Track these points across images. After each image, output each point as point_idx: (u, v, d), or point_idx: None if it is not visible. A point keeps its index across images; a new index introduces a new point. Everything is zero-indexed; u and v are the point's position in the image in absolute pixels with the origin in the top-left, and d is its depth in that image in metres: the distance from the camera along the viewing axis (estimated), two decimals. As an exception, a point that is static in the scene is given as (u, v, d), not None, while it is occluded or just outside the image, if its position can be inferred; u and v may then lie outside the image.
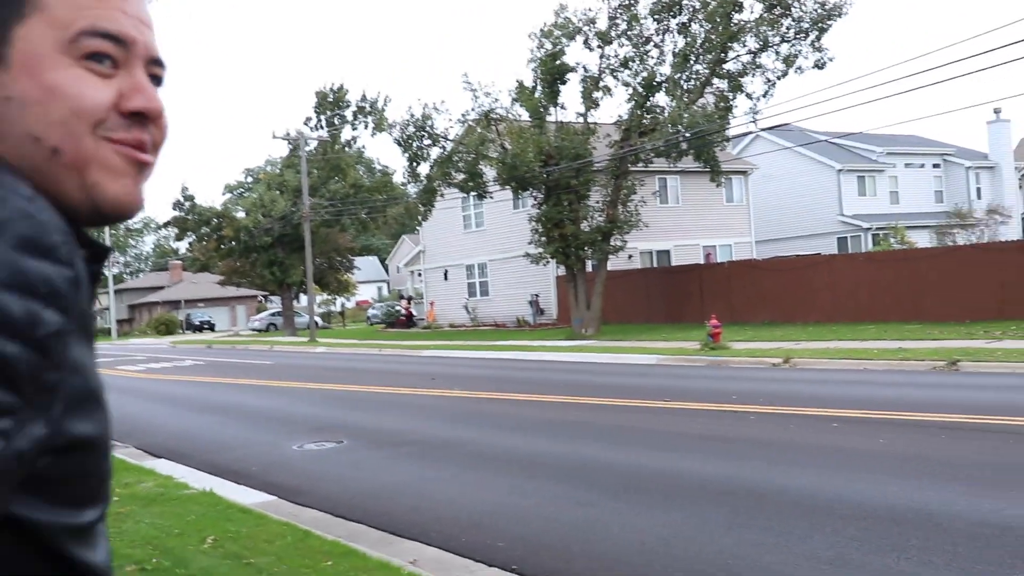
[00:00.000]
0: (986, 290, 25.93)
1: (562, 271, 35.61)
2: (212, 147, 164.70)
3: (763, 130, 41.72)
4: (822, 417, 12.58)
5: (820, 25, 29.99)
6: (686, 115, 29.48)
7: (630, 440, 11.81)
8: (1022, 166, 54.39)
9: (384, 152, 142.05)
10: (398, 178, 53.63)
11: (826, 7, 29.74)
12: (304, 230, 44.94)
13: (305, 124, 53.68)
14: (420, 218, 36.20)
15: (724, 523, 7.64)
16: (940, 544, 6.69)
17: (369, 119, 53.19)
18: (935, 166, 50.90)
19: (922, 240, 41.17)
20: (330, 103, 54.35)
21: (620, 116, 32.35)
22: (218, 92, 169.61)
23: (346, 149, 54.25)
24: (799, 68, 30.66)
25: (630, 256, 38.83)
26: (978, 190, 50.24)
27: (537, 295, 40.85)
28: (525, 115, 32.65)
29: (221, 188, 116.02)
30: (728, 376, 18.94)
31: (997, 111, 51.23)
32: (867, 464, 9.37)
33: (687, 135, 29.94)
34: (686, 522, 7.75)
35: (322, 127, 54.20)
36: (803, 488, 8.60)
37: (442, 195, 34.50)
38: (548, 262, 34.60)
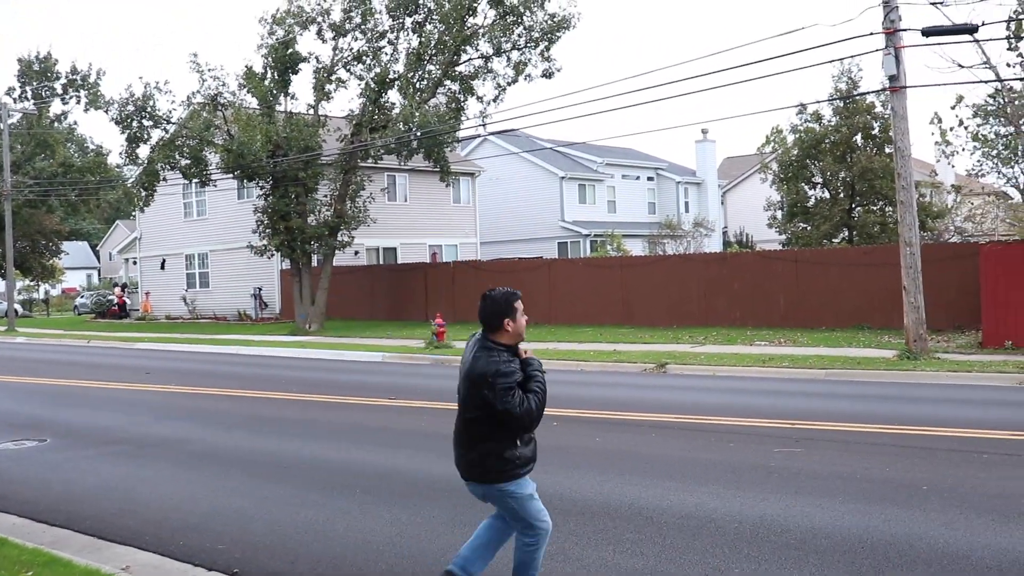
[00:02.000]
0: (692, 297, 27.76)
1: (287, 265, 34.86)
2: None
3: (492, 134, 42.65)
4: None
5: (549, 36, 30.96)
6: (418, 114, 29.62)
7: (357, 438, 11.71)
8: (724, 183, 58.70)
9: (100, 131, 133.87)
10: (114, 159, 50.69)
11: (555, 19, 30.75)
12: (4, 209, 41.50)
13: (8, 95, 49.69)
14: (140, 204, 34.18)
15: (447, 520, 7.71)
16: (651, 536, 7.05)
17: (82, 94, 49.90)
18: (649, 179, 53.95)
19: (636, 248, 43.46)
20: (36, 72, 50.56)
21: (352, 111, 32.03)
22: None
23: (55, 124, 50.65)
24: (528, 76, 31.52)
25: (356, 252, 38.59)
26: (686, 204, 53.72)
27: (260, 288, 39.79)
28: (254, 102, 31.66)
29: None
30: (452, 375, 19.12)
31: (704, 132, 54.99)
32: (584, 461, 9.76)
33: (418, 134, 30.10)
34: (411, 520, 7.76)
35: (27, 99, 50.32)
36: (525, 485, 8.82)
37: (164, 179, 32.85)
38: (273, 255, 33.74)
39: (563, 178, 48.04)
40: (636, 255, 37.16)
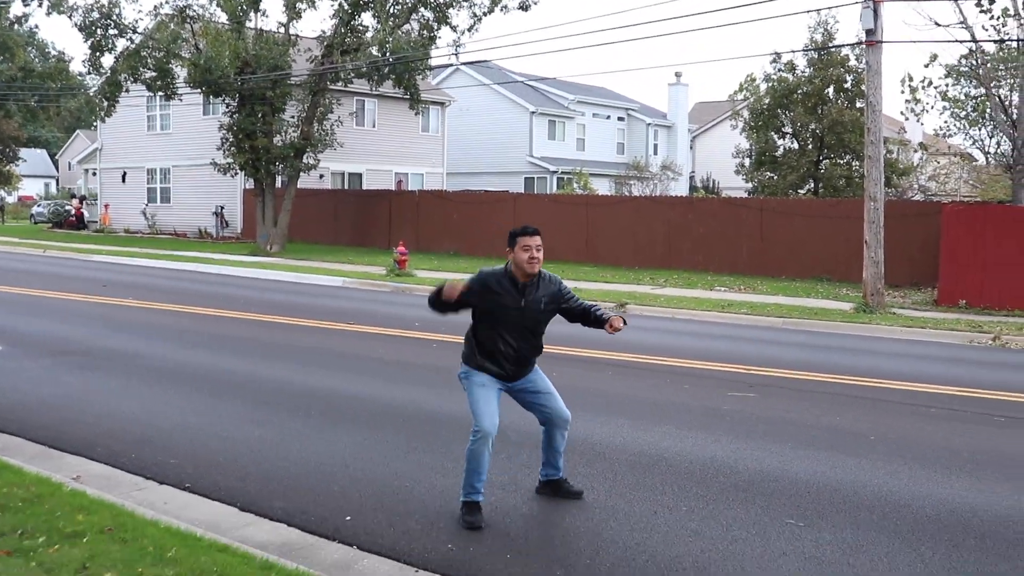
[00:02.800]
0: (656, 239, 27.84)
1: (251, 184, 34.45)
2: None
3: (464, 64, 42.17)
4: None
5: (528, -35, 30.52)
6: (391, 39, 29.18)
7: (314, 361, 11.70)
8: (695, 128, 58.61)
9: (62, 37, 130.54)
10: (77, 67, 49.52)
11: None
12: (-38, 112, 40.56)
13: (-33, -6, 48.19)
14: (103, 114, 33.44)
15: (403, 447, 7.75)
16: (602, 471, 7.14)
17: (44, -4, 48.50)
18: (620, 119, 53.71)
19: (603, 188, 43.42)
20: (-5, -28, 49.05)
21: (323, 31, 31.46)
22: None
23: (15, 27, 49.27)
24: (504, 7, 31.05)
25: (322, 176, 38.21)
26: (655, 146, 53.62)
27: (222, 207, 39.35)
28: (223, 17, 31.00)
29: None
30: (412, 303, 19.17)
31: (678, 75, 54.77)
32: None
33: (390, 59, 29.69)
34: (365, 444, 7.80)
35: (-13, -1, 48.88)
36: (480, 416, 8.88)
37: (127, 91, 32.18)
38: (236, 174, 33.33)
39: (533, 113, 47.71)
40: (602, 194, 37.15)
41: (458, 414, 8.86)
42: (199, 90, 31.21)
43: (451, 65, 43.31)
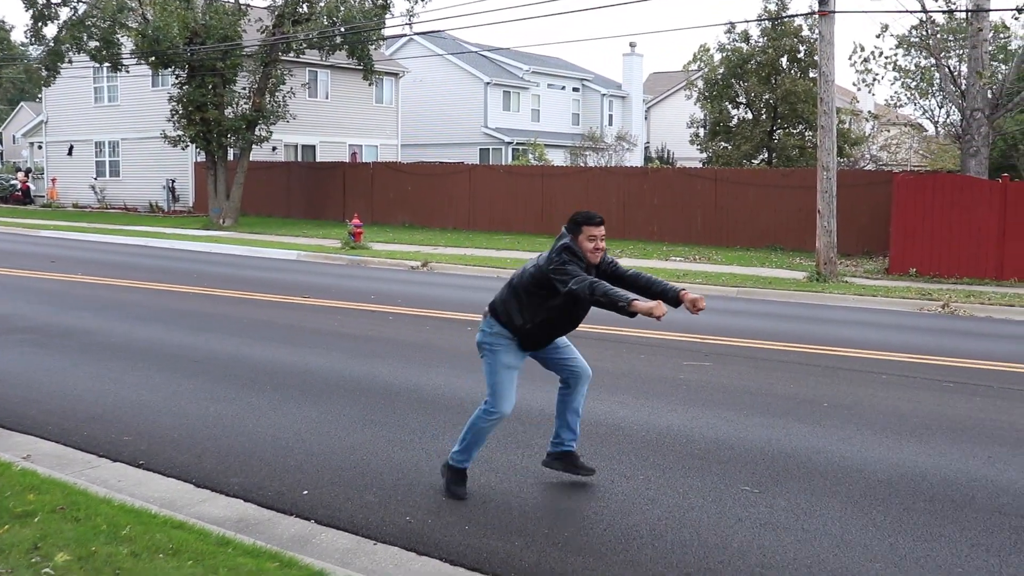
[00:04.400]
0: (611, 210, 27.84)
1: (202, 157, 33.98)
2: None
3: (418, 34, 41.81)
4: (457, 320, 13.03)
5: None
6: (342, 8, 28.84)
7: (269, 335, 11.60)
8: (650, 98, 58.62)
9: (2, 4, 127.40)
10: (18, 36, 48.42)
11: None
12: (-98, 84, 39.58)
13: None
14: (43, 84, 32.73)
15: (359, 419, 7.72)
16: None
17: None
18: (575, 90, 53.58)
19: (558, 159, 43.36)
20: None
21: (274, 1, 31.04)
22: None
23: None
24: (458, -23, 30.87)
25: (274, 148, 37.82)
26: (610, 117, 53.59)
27: (173, 180, 38.82)
28: (171, -14, 30.44)
29: None
30: (368, 276, 19.08)
31: (633, 45, 54.68)
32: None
33: (342, 29, 29.35)
34: (322, 418, 7.75)
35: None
36: (436, 387, 8.87)
37: (69, 61, 31.53)
38: (187, 146, 32.86)
39: (488, 84, 47.46)
40: (558, 165, 37.11)
41: (419, 386, 8.84)
42: (147, 61, 30.64)
43: (404, 35, 42.96)
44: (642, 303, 5.31)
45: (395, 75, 44.03)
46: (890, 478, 6.44)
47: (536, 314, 5.80)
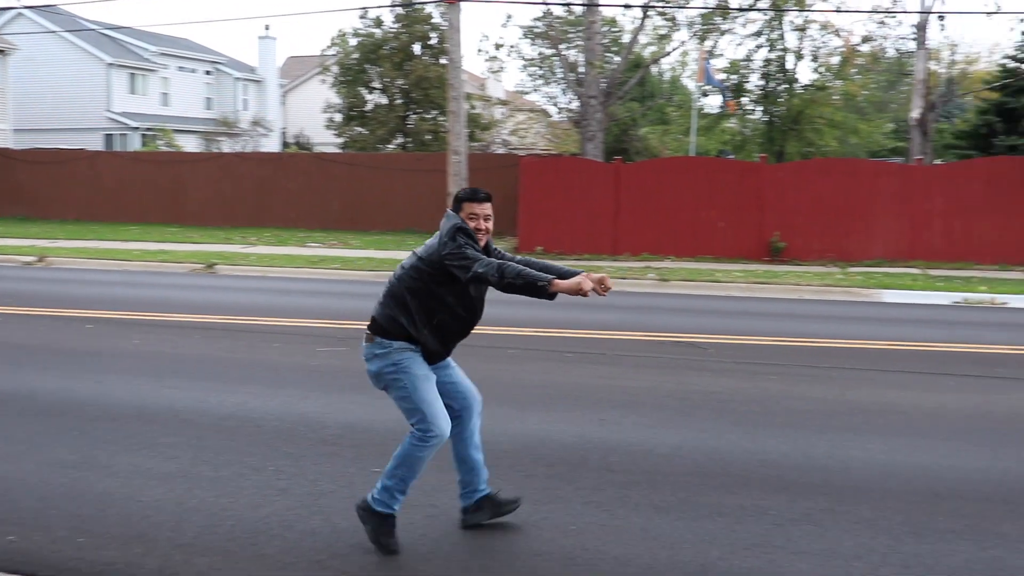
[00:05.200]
0: (246, 197, 27.23)
1: None
2: None
3: (27, 7, 38.51)
4: (76, 318, 12.15)
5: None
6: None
7: None
8: (287, 83, 57.70)
9: None
10: None
11: None
12: None
13: None
14: None
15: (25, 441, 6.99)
16: (189, 439, 6.86)
17: None
18: (207, 73, 51.59)
19: (191, 144, 41.61)
20: None
21: None
22: None
23: None
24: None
25: None
26: (246, 101, 52.15)
27: None
28: None
29: None
30: (-25, 274, 17.37)
31: (267, 27, 53.57)
32: (119, 365, 9.28)
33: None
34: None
35: None
36: (53, 392, 8.22)
37: None
38: None
39: (111, 65, 44.58)
40: (189, 151, 35.66)
41: (35, 391, 8.14)
42: None
43: (12, 8, 39.32)
44: (564, 281, 4.61)
45: (2, 52, 40.22)
46: (513, 449, 6.74)
47: (432, 315, 4.92)
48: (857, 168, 21.38)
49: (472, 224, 4.89)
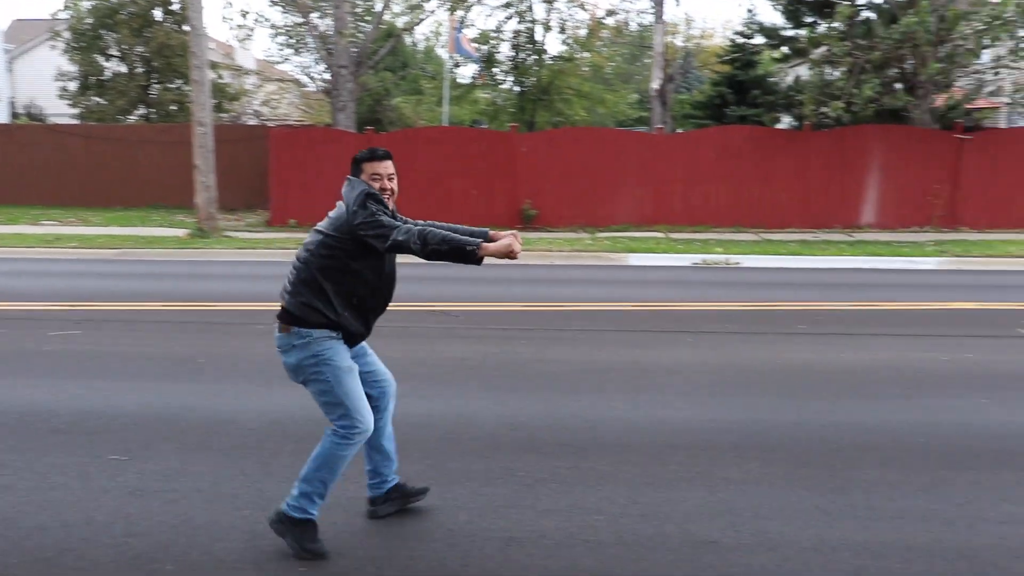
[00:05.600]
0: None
1: None
2: None
3: None
4: None
5: None
6: None
7: None
8: (13, 49, 53.60)
9: None
10: None
11: None
12: None
13: None
14: None
15: None
16: None
17: None
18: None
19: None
20: None
21: None
22: None
23: None
24: None
25: None
26: (-34, 68, 48.10)
27: None
28: None
29: None
30: None
31: (-13, -12, 49.53)
32: None
33: None
34: None
35: None
36: None
37: None
38: None
39: None
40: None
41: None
42: None
43: None
44: (493, 244, 4.25)
45: None
46: (260, 426, 6.57)
47: (351, 294, 4.53)
48: (603, 137, 22.14)
49: (376, 185, 4.56)
